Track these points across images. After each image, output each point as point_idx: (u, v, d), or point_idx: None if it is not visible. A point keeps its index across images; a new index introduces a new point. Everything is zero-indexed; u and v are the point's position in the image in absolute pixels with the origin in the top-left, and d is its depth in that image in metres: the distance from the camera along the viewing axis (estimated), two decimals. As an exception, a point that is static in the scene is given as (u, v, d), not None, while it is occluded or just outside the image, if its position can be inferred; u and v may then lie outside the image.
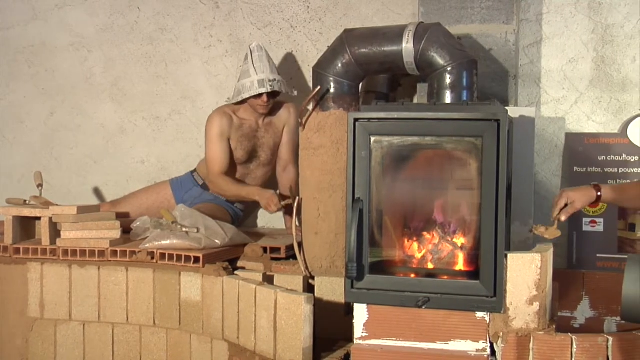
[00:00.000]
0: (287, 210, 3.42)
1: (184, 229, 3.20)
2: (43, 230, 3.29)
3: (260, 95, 3.46)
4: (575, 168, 3.47)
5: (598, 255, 3.40)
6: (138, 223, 3.38)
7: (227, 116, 3.59)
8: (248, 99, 3.49)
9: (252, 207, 3.98)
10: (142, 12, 4.14)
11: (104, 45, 4.20)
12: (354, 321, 2.62)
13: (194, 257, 3.06)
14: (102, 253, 3.22)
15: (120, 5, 4.16)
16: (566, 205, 2.62)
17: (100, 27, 4.20)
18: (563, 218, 2.62)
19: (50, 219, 3.30)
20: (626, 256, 2.58)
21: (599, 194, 2.61)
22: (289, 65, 3.93)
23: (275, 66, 3.56)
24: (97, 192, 4.25)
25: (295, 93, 3.58)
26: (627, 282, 2.35)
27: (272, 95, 3.50)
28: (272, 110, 3.65)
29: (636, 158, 3.38)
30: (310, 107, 3.05)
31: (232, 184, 3.61)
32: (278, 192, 3.57)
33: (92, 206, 3.51)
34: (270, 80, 3.43)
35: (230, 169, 3.67)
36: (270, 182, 3.84)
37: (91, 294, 3.17)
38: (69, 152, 4.30)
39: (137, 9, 4.14)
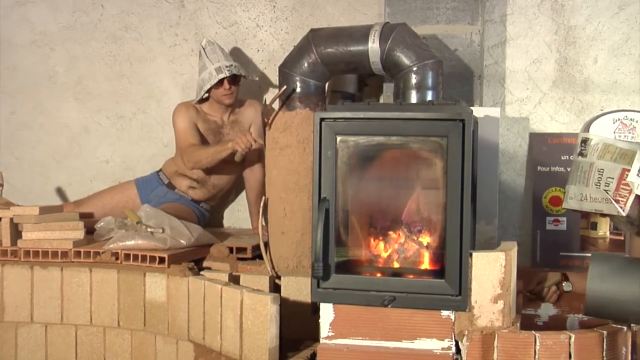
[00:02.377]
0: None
1: (148, 229, 3.17)
2: (4, 231, 3.23)
3: (221, 84, 3.47)
4: (539, 168, 3.51)
5: (561, 253, 3.44)
6: (102, 223, 3.34)
7: (192, 107, 3.63)
8: (210, 91, 3.51)
9: (218, 207, 3.96)
10: (106, 9, 4.09)
11: (67, 43, 4.15)
12: (320, 321, 2.62)
13: (159, 257, 3.04)
14: (65, 254, 3.17)
15: (83, 2, 4.11)
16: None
17: (63, 24, 4.15)
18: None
19: (11, 219, 3.24)
20: (589, 254, 2.62)
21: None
22: (255, 65, 3.91)
23: (229, 54, 3.59)
24: (60, 192, 4.20)
25: (257, 78, 3.58)
26: (591, 280, 2.39)
27: (233, 82, 3.51)
28: (238, 108, 3.64)
29: (598, 158, 3.42)
30: (277, 107, 3.05)
31: (205, 148, 3.55)
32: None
33: (55, 206, 3.45)
34: (227, 66, 3.47)
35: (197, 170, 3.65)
36: (237, 182, 3.82)
37: (54, 295, 3.12)
38: (31, 151, 4.24)
39: (100, 7, 4.10)
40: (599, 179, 2.33)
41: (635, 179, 2.27)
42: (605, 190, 2.31)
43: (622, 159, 2.31)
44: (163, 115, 4.00)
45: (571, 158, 2.52)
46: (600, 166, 2.33)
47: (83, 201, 3.80)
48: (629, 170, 2.28)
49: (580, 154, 2.41)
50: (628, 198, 2.28)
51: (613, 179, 2.30)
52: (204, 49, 3.54)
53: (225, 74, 3.47)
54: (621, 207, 2.28)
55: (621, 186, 2.29)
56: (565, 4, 3.51)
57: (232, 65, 3.50)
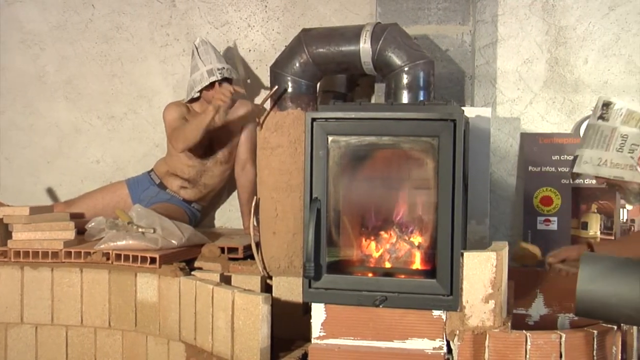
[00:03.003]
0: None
1: (140, 230, 3.16)
2: (-6, 232, 3.22)
3: (212, 86, 3.47)
4: (530, 167, 3.52)
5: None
6: (93, 223, 3.33)
7: (183, 106, 3.65)
8: (201, 92, 3.52)
9: (209, 207, 3.95)
10: (97, 9, 4.08)
11: (57, 43, 4.13)
12: (311, 321, 2.62)
13: (150, 257, 3.03)
14: (55, 254, 3.16)
15: (73, 2, 4.10)
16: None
17: (53, 24, 4.13)
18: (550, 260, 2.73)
19: (1, 219, 3.22)
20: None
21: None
22: (246, 65, 3.91)
23: (222, 55, 3.58)
24: (50, 192, 4.18)
25: (249, 80, 3.58)
26: (581, 279, 2.39)
27: (225, 83, 3.50)
28: (229, 108, 3.63)
29: (588, 158, 3.44)
30: (268, 107, 3.04)
31: (188, 123, 3.51)
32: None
33: (45, 207, 3.44)
34: (219, 69, 3.48)
35: (189, 165, 3.64)
36: (229, 182, 3.82)
37: (44, 296, 3.10)
38: (21, 151, 4.22)
39: (91, 7, 4.08)
40: (622, 144, 2.30)
41: None
42: (630, 156, 2.28)
43: None
44: (154, 115, 3.98)
45: (588, 122, 2.46)
46: (624, 132, 2.29)
47: (74, 201, 3.79)
48: None
49: (601, 117, 2.35)
50: None
51: (638, 145, 2.27)
52: (197, 48, 3.54)
53: (216, 77, 3.48)
54: None
55: None
56: (556, 4, 3.52)
57: (224, 67, 3.50)
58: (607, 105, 2.37)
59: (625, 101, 2.39)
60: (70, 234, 3.24)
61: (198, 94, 3.59)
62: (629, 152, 2.29)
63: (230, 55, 3.82)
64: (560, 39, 3.53)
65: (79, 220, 3.40)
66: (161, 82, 4.04)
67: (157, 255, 3.02)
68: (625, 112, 2.34)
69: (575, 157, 2.44)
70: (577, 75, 3.53)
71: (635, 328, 2.67)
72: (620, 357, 2.59)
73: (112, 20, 4.07)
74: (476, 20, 3.50)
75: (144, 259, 3.04)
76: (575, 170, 2.44)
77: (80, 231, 3.33)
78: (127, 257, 3.08)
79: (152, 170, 3.84)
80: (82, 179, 4.14)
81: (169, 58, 4.02)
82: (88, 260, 3.14)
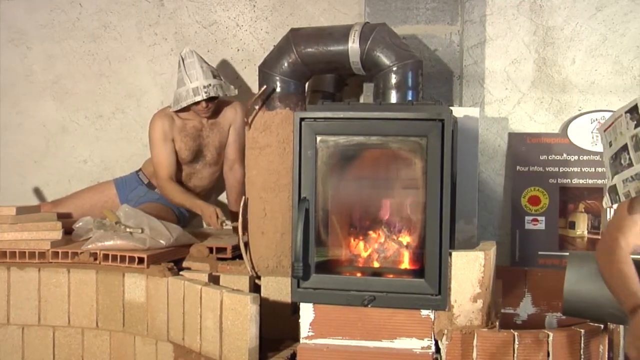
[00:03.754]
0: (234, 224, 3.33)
1: (127, 230, 3.15)
2: (-20, 232, 3.20)
3: (198, 103, 3.45)
4: (518, 167, 3.53)
5: (540, 252, 3.47)
6: (80, 223, 3.31)
7: (168, 118, 3.57)
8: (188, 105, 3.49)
9: (198, 207, 3.94)
10: (84, 8, 4.06)
11: (45, 42, 4.11)
12: (300, 321, 2.62)
13: (138, 257, 3.02)
14: (42, 254, 3.14)
15: (60, 1, 4.07)
16: None
17: (40, 23, 4.10)
18: None
19: (-12, 220, 3.20)
20: (567, 253, 2.64)
21: None
22: (234, 64, 3.90)
23: (211, 68, 3.53)
24: (37, 192, 4.15)
25: (236, 92, 3.56)
26: (569, 279, 2.41)
27: (211, 99, 3.48)
28: (218, 110, 3.63)
29: (576, 157, 3.46)
30: (257, 107, 3.04)
31: (179, 192, 3.57)
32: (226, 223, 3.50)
33: (32, 206, 3.42)
34: (205, 87, 3.42)
35: (178, 169, 3.64)
36: (218, 182, 3.81)
37: (31, 296, 3.09)
38: (8, 151, 4.19)
39: (79, 5, 4.06)
40: None
41: None
42: None
43: None
44: (142, 115, 3.97)
45: (620, 132, 2.10)
46: None
47: (61, 201, 3.77)
48: None
49: None
50: None
51: None
52: (183, 60, 3.48)
53: (202, 96, 3.43)
54: None
55: None
56: (543, 4, 3.53)
57: (210, 85, 3.43)
58: (635, 109, 2.09)
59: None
60: (58, 234, 3.23)
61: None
62: None
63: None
64: (548, 39, 3.55)
65: (67, 220, 3.39)
66: (149, 81, 4.02)
67: (145, 255, 3.01)
68: None
69: (633, 178, 2.09)
70: (564, 75, 3.54)
71: (621, 327, 2.69)
72: (607, 356, 2.60)
73: (99, 19, 4.05)
74: (464, 20, 3.51)
75: (131, 259, 3.03)
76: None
77: (68, 231, 3.32)
78: (114, 257, 3.07)
79: (140, 169, 3.82)
80: (69, 179, 4.12)
81: (157, 57, 4.00)
82: (75, 260, 3.12)
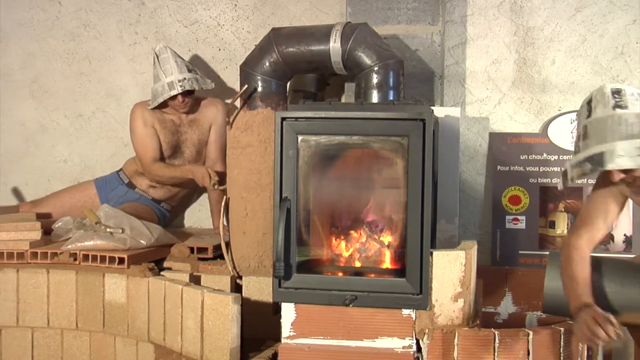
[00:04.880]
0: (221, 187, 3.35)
1: (108, 230, 3.13)
2: (-43, 232, 3.16)
3: (175, 97, 3.44)
4: (499, 167, 3.55)
5: (520, 252, 3.49)
6: (60, 223, 3.28)
7: (150, 109, 3.57)
8: (165, 101, 3.48)
9: (179, 207, 3.92)
10: (64, 6, 4.02)
11: (23, 40, 4.07)
12: (281, 320, 2.61)
13: (119, 258, 3.00)
14: (21, 255, 3.11)
15: (39, -1, 4.04)
16: None
17: (18, 21, 4.07)
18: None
19: (-34, 220, 3.17)
20: (547, 252, 2.65)
21: None
22: (216, 64, 3.89)
23: (185, 62, 3.53)
24: (16, 192, 4.11)
25: (212, 85, 3.55)
26: (549, 277, 2.42)
27: (187, 93, 3.47)
28: (198, 108, 3.62)
29: (556, 157, 3.48)
30: (238, 106, 3.03)
31: (166, 167, 3.58)
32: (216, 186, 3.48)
33: (11, 206, 3.40)
34: (179, 80, 3.42)
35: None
36: (198, 182, 3.79)
37: (9, 297, 3.05)
38: (-14, 151, 4.15)
39: (58, 4, 4.03)
40: None
41: None
42: None
43: None
44: (123, 114, 3.94)
45: (598, 116, 2.17)
46: None
47: (40, 201, 3.74)
48: None
49: (617, 105, 2.13)
50: None
51: None
52: (157, 56, 3.47)
53: (177, 90, 3.42)
54: None
55: None
56: (523, 5, 3.56)
57: (185, 79, 3.43)
58: (618, 92, 2.17)
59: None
60: (37, 235, 3.20)
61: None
62: None
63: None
64: (528, 39, 3.57)
65: (46, 221, 3.36)
66: (130, 80, 4.00)
67: (125, 256, 2.99)
68: (638, 96, 2.16)
69: (601, 155, 2.14)
70: (544, 75, 3.57)
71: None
72: (586, 354, 2.62)
73: (79, 17, 4.01)
74: (445, 20, 3.52)
75: (112, 259, 3.01)
76: (608, 167, 2.13)
77: (47, 231, 3.29)
78: (95, 258, 3.05)
79: (121, 169, 3.80)
80: (49, 179, 4.09)
81: (138, 56, 3.98)
82: (55, 261, 3.10)
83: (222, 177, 3.34)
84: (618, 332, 2.08)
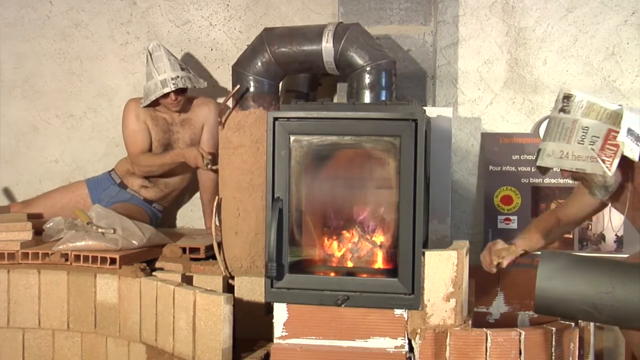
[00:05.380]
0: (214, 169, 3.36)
1: (99, 230, 3.12)
2: (-52, 233, 3.14)
3: (167, 95, 3.44)
4: (491, 167, 3.56)
5: (512, 251, 3.49)
6: (51, 224, 3.27)
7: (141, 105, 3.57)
8: (158, 99, 3.48)
9: (171, 207, 3.92)
10: (55, 6, 4.01)
11: (14, 40, 4.05)
12: (273, 321, 2.61)
13: (110, 258, 3.00)
14: (12, 255, 3.10)
15: (30, -2, 4.03)
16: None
17: (9, 20, 4.05)
18: (505, 263, 2.63)
19: (-44, 220, 3.15)
20: (539, 252, 2.66)
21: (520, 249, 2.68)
22: (208, 64, 3.88)
23: (178, 61, 3.54)
24: (7, 192, 4.10)
25: (205, 84, 3.55)
26: (540, 277, 2.43)
27: (180, 92, 3.47)
28: (190, 107, 3.61)
29: (547, 157, 3.49)
30: (230, 106, 3.03)
31: (154, 156, 3.57)
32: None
33: (2, 207, 3.39)
34: (172, 79, 3.42)
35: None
36: (191, 181, 3.78)
37: (0, 298, 3.04)
38: (-23, 151, 4.13)
39: (49, 3, 4.01)
40: (583, 136, 2.27)
41: (625, 139, 2.22)
42: (590, 148, 2.26)
43: (608, 119, 2.26)
44: (114, 114, 3.93)
45: (550, 115, 2.44)
46: (585, 124, 2.28)
47: (31, 201, 3.72)
48: (616, 132, 2.23)
49: (562, 110, 2.34)
50: (614, 158, 2.24)
51: (598, 138, 2.25)
52: (150, 54, 3.47)
53: (170, 87, 3.42)
54: (607, 167, 2.24)
55: (607, 146, 2.24)
56: (515, 5, 3.57)
57: (178, 77, 3.43)
58: (567, 97, 2.35)
59: (586, 93, 2.37)
60: (28, 235, 3.18)
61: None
62: (589, 144, 2.27)
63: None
64: (520, 40, 3.58)
65: (37, 221, 3.34)
66: (121, 80, 3.99)
67: (117, 256, 2.99)
68: (586, 104, 2.32)
69: (538, 151, 2.42)
70: (536, 75, 3.57)
71: (592, 324, 2.72)
72: (577, 354, 2.63)
73: (70, 17, 4.00)
74: (437, 20, 3.52)
75: (103, 260, 3.00)
76: (538, 163, 2.42)
77: (38, 232, 3.28)
78: (86, 258, 3.04)
79: (112, 169, 3.79)
80: (40, 179, 4.07)
81: (130, 56, 3.97)
82: (46, 261, 3.09)
83: (214, 157, 3.34)
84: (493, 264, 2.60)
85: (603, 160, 2.25)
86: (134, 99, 3.62)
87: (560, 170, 2.39)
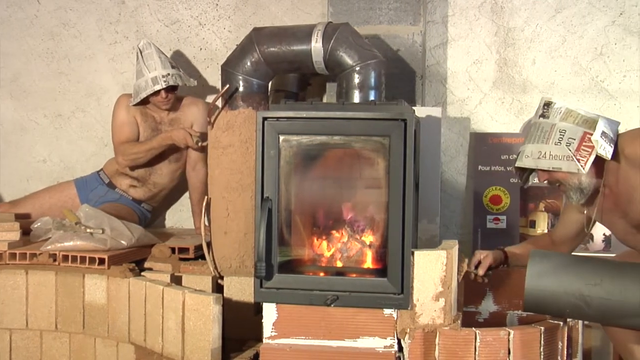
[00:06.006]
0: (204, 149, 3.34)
1: (88, 230, 3.10)
2: None
3: (158, 93, 3.43)
4: (480, 167, 3.57)
5: (501, 251, 3.50)
6: (39, 224, 3.25)
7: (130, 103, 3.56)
8: (148, 97, 3.46)
9: (160, 207, 3.90)
10: (43, 5, 3.99)
11: (1, 39, 4.03)
12: (263, 321, 2.60)
13: (99, 258, 2.98)
14: (-1, 256, 3.08)
15: (18, -3, 4.01)
16: (479, 263, 2.79)
17: (-4, 19, 4.04)
18: (481, 272, 2.77)
19: (-57, 220, 3.13)
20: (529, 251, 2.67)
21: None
22: (197, 63, 3.88)
23: (168, 59, 3.53)
24: (-6, 192, 4.08)
25: (195, 83, 3.55)
26: (529, 277, 2.44)
27: (171, 90, 3.47)
28: (179, 107, 3.61)
29: (536, 157, 3.50)
30: (219, 106, 3.02)
31: (140, 143, 3.56)
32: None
33: (-11, 207, 3.35)
34: (163, 76, 3.42)
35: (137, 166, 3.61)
36: (180, 181, 3.77)
37: (-13, 299, 3.03)
38: (-35, 150, 4.11)
39: (37, 2, 3.99)
40: (560, 138, 2.42)
41: (599, 139, 2.36)
42: (567, 148, 2.39)
43: (584, 124, 2.40)
44: (103, 114, 3.92)
45: (531, 121, 2.59)
46: (563, 127, 2.42)
47: (19, 201, 3.70)
48: (590, 134, 2.37)
49: (542, 115, 2.48)
50: (588, 158, 2.37)
51: (575, 139, 2.39)
52: (140, 51, 3.46)
53: (161, 85, 3.41)
54: (582, 165, 2.37)
55: (582, 146, 2.38)
56: (504, 6, 3.58)
57: (168, 74, 3.42)
58: (548, 104, 2.50)
59: (567, 102, 2.50)
60: (15, 235, 3.17)
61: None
62: (566, 145, 2.40)
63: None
64: (509, 40, 3.59)
65: (25, 221, 3.33)
66: (110, 80, 3.97)
67: (105, 256, 2.97)
68: (565, 110, 2.46)
69: (519, 154, 2.53)
70: (525, 76, 3.59)
71: (580, 323, 2.73)
72: (565, 352, 2.64)
73: (58, 16, 3.98)
74: (427, 20, 3.53)
75: (92, 260, 2.99)
76: (517, 164, 2.53)
77: (26, 232, 3.26)
78: (74, 258, 3.02)
79: (101, 169, 3.77)
80: (27, 179, 4.05)
81: (118, 56, 3.95)
82: (34, 261, 3.07)
83: (203, 134, 3.33)
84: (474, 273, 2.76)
85: (578, 160, 2.38)
86: (126, 95, 3.62)
87: (538, 172, 2.50)
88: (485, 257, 2.77)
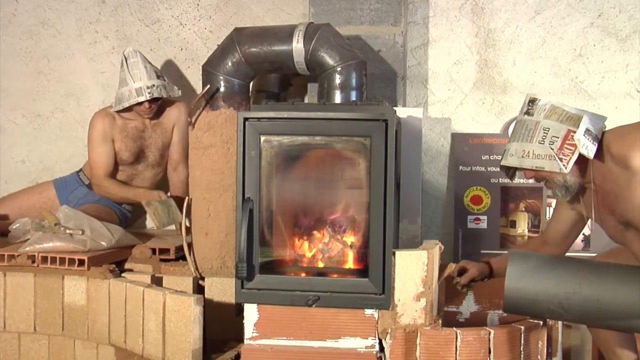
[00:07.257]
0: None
1: (67, 231, 3.08)
2: None
3: (141, 103, 3.39)
4: (461, 167, 3.58)
5: (482, 251, 3.53)
6: (17, 225, 3.22)
7: (109, 117, 3.50)
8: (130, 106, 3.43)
9: (140, 208, 3.87)
10: (20, 4, 3.96)
11: (-22, 38, 4.00)
12: (244, 321, 2.60)
13: (79, 259, 2.96)
14: (-23, 258, 3.05)
15: (-6, -5, 3.97)
16: (464, 271, 2.79)
17: (-27, 18, 3.99)
18: (463, 281, 2.77)
19: None
20: (507, 252, 2.68)
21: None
22: (178, 63, 3.86)
23: (154, 68, 3.48)
24: (-29, 193, 4.03)
25: (179, 93, 3.51)
26: (509, 277, 2.45)
27: (154, 100, 3.43)
28: (161, 110, 3.58)
29: (516, 157, 3.52)
30: (200, 106, 3.01)
31: (118, 186, 3.54)
32: (169, 193, 3.51)
33: (-33, 208, 3.32)
34: (148, 87, 3.37)
35: (118, 170, 3.57)
36: (162, 183, 3.75)
37: (-35, 301, 2.99)
38: (-59, 151, 4.06)
39: (14, 1, 3.96)
40: (544, 136, 2.39)
41: (581, 137, 2.33)
42: (550, 147, 2.37)
43: (568, 121, 2.37)
44: (83, 114, 3.89)
45: (516, 119, 2.54)
46: (546, 125, 2.39)
47: (-3, 202, 3.66)
48: (574, 132, 2.34)
49: (527, 112, 2.46)
50: (571, 157, 2.35)
51: (558, 138, 2.36)
52: (126, 59, 3.41)
53: (145, 96, 3.37)
54: (564, 165, 2.35)
55: (565, 145, 2.35)
56: (485, 7, 3.60)
57: (153, 85, 3.37)
58: (532, 101, 2.47)
59: (551, 98, 2.46)
60: (-7, 236, 3.14)
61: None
62: (549, 144, 2.38)
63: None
64: (489, 41, 3.61)
65: (3, 222, 3.31)
66: (90, 80, 3.94)
67: (85, 257, 2.95)
68: (549, 107, 2.43)
69: (504, 152, 2.51)
70: (505, 76, 3.61)
71: (559, 323, 2.75)
72: (545, 352, 2.66)
73: (37, 15, 3.95)
74: (408, 21, 3.54)
75: (71, 261, 2.97)
76: (502, 163, 2.51)
77: (4, 233, 3.23)
78: (54, 260, 3.00)
79: (80, 170, 3.74)
80: (5, 180, 4.01)
81: (98, 56, 3.93)
82: (12, 263, 3.04)
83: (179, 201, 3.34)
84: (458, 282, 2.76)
85: (560, 159, 2.36)
86: (100, 113, 3.55)
87: (523, 170, 2.47)
88: (471, 267, 2.77)
